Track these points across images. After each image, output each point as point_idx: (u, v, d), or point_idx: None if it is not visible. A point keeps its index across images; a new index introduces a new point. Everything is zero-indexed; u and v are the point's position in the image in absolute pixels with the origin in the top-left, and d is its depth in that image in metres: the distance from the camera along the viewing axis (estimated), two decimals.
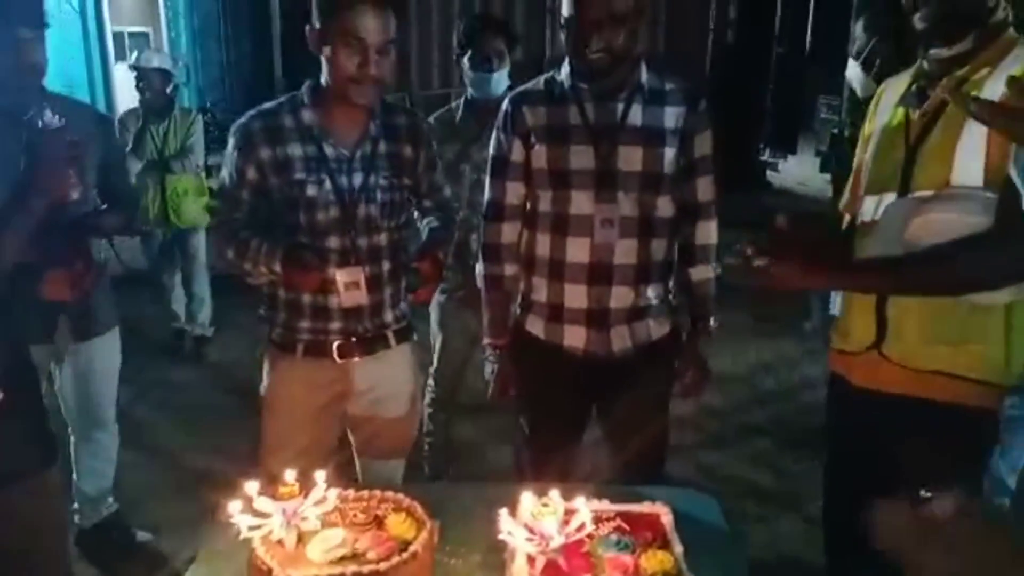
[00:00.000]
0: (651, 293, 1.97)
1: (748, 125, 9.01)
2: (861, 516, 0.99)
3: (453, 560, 1.41)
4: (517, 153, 1.95)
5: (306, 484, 1.39)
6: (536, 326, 2.01)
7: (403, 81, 7.62)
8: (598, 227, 1.88)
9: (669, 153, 1.90)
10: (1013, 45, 1.47)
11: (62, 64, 8.22)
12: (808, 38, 9.76)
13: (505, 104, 1.99)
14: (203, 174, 4.42)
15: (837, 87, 9.12)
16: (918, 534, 0.93)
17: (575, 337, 1.96)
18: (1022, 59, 1.45)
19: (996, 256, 1.32)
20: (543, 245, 1.95)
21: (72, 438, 2.57)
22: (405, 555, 1.29)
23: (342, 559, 1.32)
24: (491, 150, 2.02)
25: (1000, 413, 1.39)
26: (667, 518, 1.47)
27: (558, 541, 1.29)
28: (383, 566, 1.26)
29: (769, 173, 9.59)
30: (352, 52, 1.71)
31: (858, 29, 2.93)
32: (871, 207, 1.61)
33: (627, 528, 1.44)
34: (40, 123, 1.65)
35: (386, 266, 1.89)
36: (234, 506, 1.33)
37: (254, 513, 1.33)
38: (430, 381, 2.88)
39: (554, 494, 1.36)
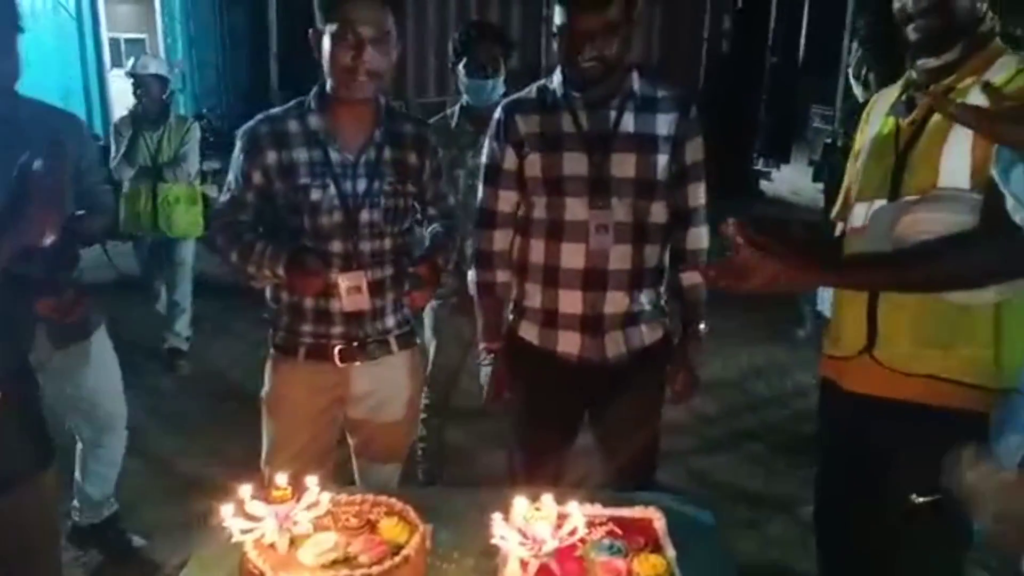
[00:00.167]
0: (645, 298, 1.98)
1: (741, 134, 9.06)
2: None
3: (446, 564, 1.41)
4: (510, 161, 1.96)
5: (299, 488, 1.39)
6: (530, 332, 2.01)
7: (399, 89, 7.64)
8: (593, 233, 1.89)
9: (662, 160, 1.92)
10: (998, 55, 1.50)
11: (58, 70, 8.21)
12: (801, 48, 9.81)
13: (497, 113, 2.00)
14: (197, 183, 4.36)
15: (830, 97, 9.20)
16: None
17: (569, 343, 1.97)
18: (1006, 67, 1.48)
19: (979, 253, 1.34)
20: (537, 251, 1.96)
21: (79, 444, 2.56)
22: (397, 559, 1.29)
23: (334, 563, 1.32)
24: (483, 158, 2.03)
25: (992, 419, 1.41)
26: (659, 523, 1.47)
27: (551, 545, 1.30)
28: (375, 570, 1.26)
29: (762, 182, 9.63)
30: (347, 45, 1.73)
31: (855, 45, 2.99)
32: (862, 214, 1.63)
33: (619, 532, 1.44)
34: (30, 165, 1.61)
35: (389, 271, 1.90)
36: (226, 510, 1.32)
37: (246, 517, 1.33)
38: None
39: (547, 498, 1.37)
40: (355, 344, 1.90)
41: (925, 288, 1.48)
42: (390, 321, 1.94)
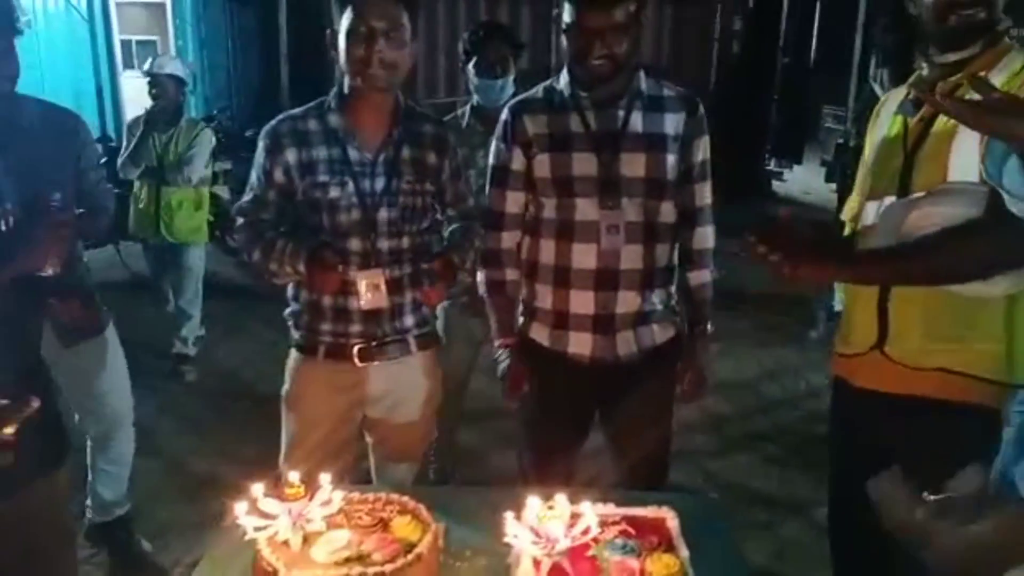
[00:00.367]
0: (656, 298, 1.97)
1: (753, 135, 9.05)
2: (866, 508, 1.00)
3: (458, 563, 1.41)
4: (518, 162, 1.96)
5: (312, 485, 1.39)
6: (540, 334, 2.01)
7: (410, 89, 7.65)
8: (604, 233, 1.89)
9: (671, 159, 1.92)
10: (1007, 51, 1.51)
11: (70, 71, 8.28)
12: (813, 48, 9.78)
13: (504, 114, 2.00)
14: (204, 188, 4.27)
15: (842, 97, 9.16)
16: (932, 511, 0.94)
17: (581, 344, 1.96)
18: (1013, 63, 1.49)
19: (982, 243, 1.34)
20: (547, 252, 1.96)
21: (88, 443, 2.57)
22: (410, 557, 1.29)
23: (347, 561, 1.32)
24: (491, 159, 2.03)
25: (1004, 415, 1.40)
26: (673, 522, 1.47)
27: (564, 544, 1.29)
28: (388, 568, 1.26)
29: (774, 182, 9.61)
30: (360, 37, 1.74)
31: (874, 60, 3.01)
32: (872, 212, 1.63)
33: (632, 532, 1.44)
34: (44, 197, 1.61)
35: (407, 270, 1.90)
36: (239, 508, 1.33)
37: (260, 514, 1.34)
38: None
39: (560, 498, 1.36)
40: (374, 343, 1.90)
41: (933, 280, 1.48)
42: (409, 320, 1.94)
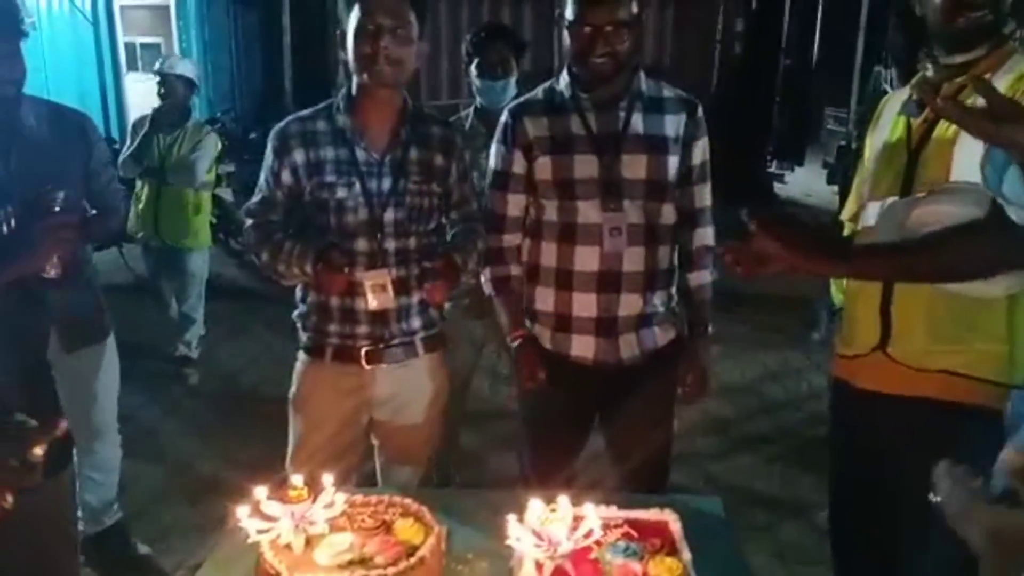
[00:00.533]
0: (657, 300, 1.97)
1: (755, 136, 9.03)
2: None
3: (460, 566, 1.41)
4: (518, 165, 1.96)
5: (316, 488, 1.40)
6: (542, 336, 2.01)
7: (412, 92, 7.66)
8: (607, 235, 1.89)
9: (673, 161, 1.93)
10: (1011, 54, 1.51)
11: (75, 73, 8.29)
12: (815, 50, 9.78)
13: (504, 116, 2.00)
14: (205, 193, 4.24)
15: (844, 99, 9.17)
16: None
17: (583, 347, 1.96)
18: (1018, 65, 1.49)
19: (983, 243, 1.34)
20: (549, 254, 1.96)
21: (74, 450, 2.56)
22: (413, 560, 1.29)
23: (350, 563, 1.32)
24: (491, 162, 2.03)
25: (1005, 414, 1.40)
26: (675, 525, 1.47)
27: (566, 547, 1.29)
28: (391, 571, 1.27)
29: (776, 184, 9.59)
30: (367, 34, 1.76)
31: (889, 73, 3.02)
32: (874, 212, 1.63)
33: (635, 535, 1.44)
34: (45, 197, 1.61)
35: (414, 271, 1.90)
36: (242, 511, 1.33)
37: (262, 517, 1.34)
38: None
39: (562, 500, 1.36)
40: (381, 345, 1.90)
41: (931, 278, 1.48)
42: (416, 322, 1.94)
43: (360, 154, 1.85)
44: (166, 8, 11.03)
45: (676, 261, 2.03)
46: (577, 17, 1.81)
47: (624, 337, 1.96)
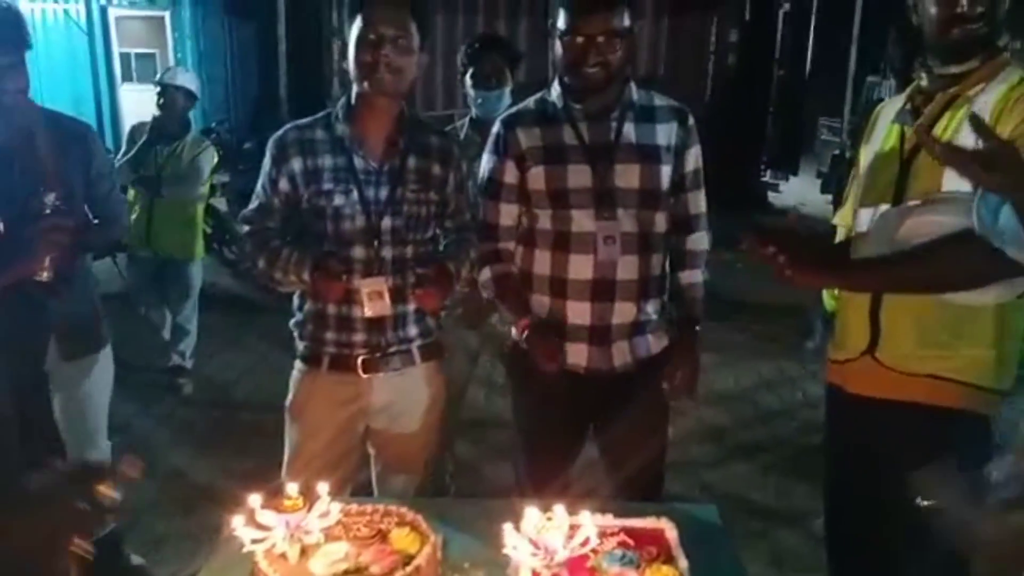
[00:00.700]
0: (651, 308, 1.98)
1: (749, 146, 9.08)
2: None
3: (457, 575, 1.41)
4: (511, 175, 1.96)
5: (311, 497, 1.39)
6: None
7: (408, 103, 7.68)
8: (601, 244, 1.90)
9: (665, 169, 1.94)
10: (1005, 66, 1.53)
11: (70, 84, 8.31)
12: (808, 60, 9.84)
13: (497, 127, 2.01)
14: (199, 204, 4.22)
15: (837, 109, 9.22)
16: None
17: (577, 355, 1.96)
18: (1010, 77, 1.50)
19: (973, 256, 1.36)
20: (542, 263, 1.96)
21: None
22: (408, 569, 1.29)
23: (345, 573, 1.31)
24: (483, 171, 2.03)
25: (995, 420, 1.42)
26: (671, 533, 1.47)
27: (562, 555, 1.29)
28: None
29: (770, 194, 9.63)
30: (368, 43, 1.78)
31: (889, 84, 3.05)
32: (866, 219, 1.65)
33: (631, 543, 1.43)
34: (40, 202, 1.61)
35: (411, 278, 1.90)
36: (237, 520, 1.32)
37: (257, 526, 1.33)
38: None
39: (558, 509, 1.36)
40: (378, 354, 1.90)
41: (926, 289, 1.50)
42: (413, 330, 1.94)
43: (358, 162, 1.86)
44: (161, 19, 11.07)
45: (668, 267, 2.03)
46: (569, 27, 1.82)
47: (617, 345, 1.96)
